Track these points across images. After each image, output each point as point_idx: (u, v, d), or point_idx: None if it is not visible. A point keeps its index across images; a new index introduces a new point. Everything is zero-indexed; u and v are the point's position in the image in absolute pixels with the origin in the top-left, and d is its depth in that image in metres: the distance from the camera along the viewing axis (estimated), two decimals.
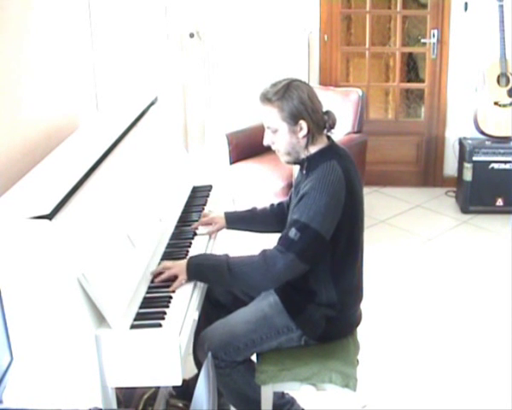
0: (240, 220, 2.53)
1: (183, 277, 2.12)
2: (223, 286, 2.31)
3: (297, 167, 2.27)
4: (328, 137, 2.22)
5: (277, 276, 2.08)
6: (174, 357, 1.82)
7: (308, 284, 2.17)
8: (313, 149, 2.17)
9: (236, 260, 2.12)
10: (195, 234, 2.49)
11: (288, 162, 2.24)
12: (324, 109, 2.18)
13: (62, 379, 1.86)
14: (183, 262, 2.16)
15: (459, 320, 3.35)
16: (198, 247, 2.40)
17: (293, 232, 2.05)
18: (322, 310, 2.21)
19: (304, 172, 2.19)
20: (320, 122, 2.15)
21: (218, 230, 2.53)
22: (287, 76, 2.18)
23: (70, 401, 1.85)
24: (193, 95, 4.97)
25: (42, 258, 1.77)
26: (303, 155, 2.18)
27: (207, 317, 2.38)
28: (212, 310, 2.42)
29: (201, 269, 2.15)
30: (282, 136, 2.14)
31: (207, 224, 2.52)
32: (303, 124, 2.11)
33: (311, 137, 2.14)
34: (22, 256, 1.78)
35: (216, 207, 2.76)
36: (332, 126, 2.19)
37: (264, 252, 2.09)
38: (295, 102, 2.08)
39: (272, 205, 2.51)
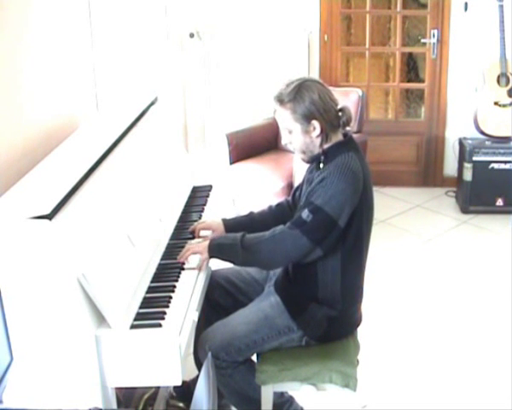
0: (238, 226, 2.45)
1: (204, 256, 2.22)
2: (238, 264, 2.31)
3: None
4: (345, 134, 2.23)
5: (286, 253, 2.13)
6: (174, 357, 1.82)
7: (316, 276, 2.18)
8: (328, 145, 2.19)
9: (249, 238, 2.19)
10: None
11: (304, 160, 2.27)
12: (339, 106, 2.19)
13: (62, 379, 1.86)
14: (206, 242, 2.25)
15: (459, 320, 3.35)
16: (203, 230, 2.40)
17: (305, 213, 2.10)
18: (323, 310, 2.21)
19: (321, 166, 2.20)
20: (333, 121, 2.17)
21: None
22: (300, 75, 2.22)
23: (70, 401, 1.85)
24: (193, 95, 4.97)
25: (42, 258, 1.77)
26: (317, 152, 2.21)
27: (207, 319, 2.37)
28: (211, 312, 2.42)
29: (220, 248, 2.23)
30: (296, 136, 2.18)
31: (205, 229, 2.47)
32: (316, 124, 2.13)
33: (325, 136, 2.17)
34: (22, 256, 1.78)
35: (216, 208, 2.76)
36: (347, 123, 2.20)
37: (274, 229, 2.15)
38: (306, 103, 2.11)
39: (271, 207, 2.50)
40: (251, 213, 2.53)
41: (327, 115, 2.14)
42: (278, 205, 2.50)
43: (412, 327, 3.30)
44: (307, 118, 2.12)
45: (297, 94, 2.11)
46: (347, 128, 2.22)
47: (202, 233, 2.44)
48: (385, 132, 5.07)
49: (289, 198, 2.48)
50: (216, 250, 2.23)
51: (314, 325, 2.23)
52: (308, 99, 2.11)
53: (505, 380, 2.86)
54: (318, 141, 2.17)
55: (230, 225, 2.47)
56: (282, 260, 2.20)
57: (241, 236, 2.19)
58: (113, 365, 1.84)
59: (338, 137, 2.21)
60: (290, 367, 2.21)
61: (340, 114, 2.18)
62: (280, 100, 2.15)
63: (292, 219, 2.16)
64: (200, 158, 4.84)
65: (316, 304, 2.21)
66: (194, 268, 2.22)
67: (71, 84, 2.82)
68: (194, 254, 2.24)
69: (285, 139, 2.24)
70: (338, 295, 2.21)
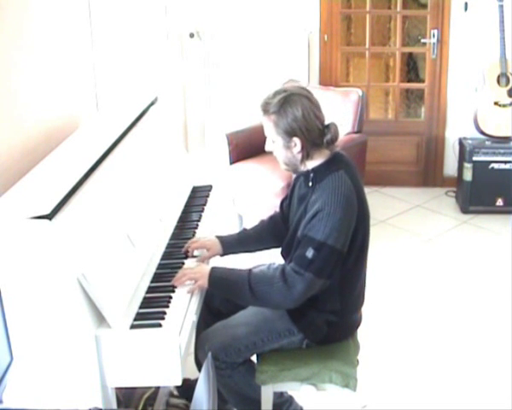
0: (235, 244, 2.43)
1: (203, 282, 2.13)
2: (241, 303, 2.26)
3: None
4: (331, 148, 2.17)
5: (298, 297, 2.08)
6: (174, 357, 1.82)
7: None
8: (312, 164, 2.14)
9: (257, 279, 2.11)
10: (195, 234, 2.49)
11: (287, 171, 2.24)
12: (327, 122, 2.13)
13: (62, 379, 1.86)
14: (206, 269, 2.16)
15: (459, 320, 3.35)
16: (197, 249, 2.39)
17: (310, 252, 2.04)
18: (324, 315, 2.20)
19: (310, 184, 2.16)
20: (316, 140, 2.10)
21: (213, 256, 2.39)
22: (289, 80, 2.15)
23: (70, 401, 1.85)
24: (193, 95, 4.97)
25: (42, 258, 1.77)
26: (301, 168, 2.17)
27: (208, 326, 2.33)
28: (213, 320, 2.36)
29: (223, 283, 2.15)
30: (278, 148, 2.14)
31: (199, 248, 2.38)
32: (297, 141, 2.09)
33: (305, 154, 2.12)
34: (22, 256, 1.78)
35: (216, 208, 2.76)
36: (331, 142, 2.12)
37: (283, 273, 2.07)
38: (289, 119, 2.06)
39: (263, 221, 2.47)
40: (245, 230, 2.49)
41: (308, 134, 2.08)
42: (271, 218, 2.46)
43: (412, 327, 3.30)
44: (289, 134, 2.08)
45: (281, 108, 2.06)
46: (333, 146, 2.14)
47: (196, 253, 2.36)
48: (385, 132, 5.07)
49: (278, 210, 2.45)
50: (218, 284, 2.15)
51: (314, 330, 2.22)
52: (291, 116, 2.05)
53: (505, 380, 2.86)
54: (299, 157, 2.13)
55: (228, 244, 2.41)
56: (294, 304, 2.11)
57: (248, 276, 2.12)
58: (113, 365, 1.84)
59: (322, 153, 2.14)
60: (290, 367, 2.20)
61: (325, 131, 2.11)
62: (265, 109, 2.11)
63: (296, 258, 2.08)
64: (200, 158, 4.84)
65: (316, 311, 2.20)
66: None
67: (71, 85, 2.82)
68: (191, 281, 2.15)
69: (268, 147, 2.19)
70: (337, 306, 2.20)
